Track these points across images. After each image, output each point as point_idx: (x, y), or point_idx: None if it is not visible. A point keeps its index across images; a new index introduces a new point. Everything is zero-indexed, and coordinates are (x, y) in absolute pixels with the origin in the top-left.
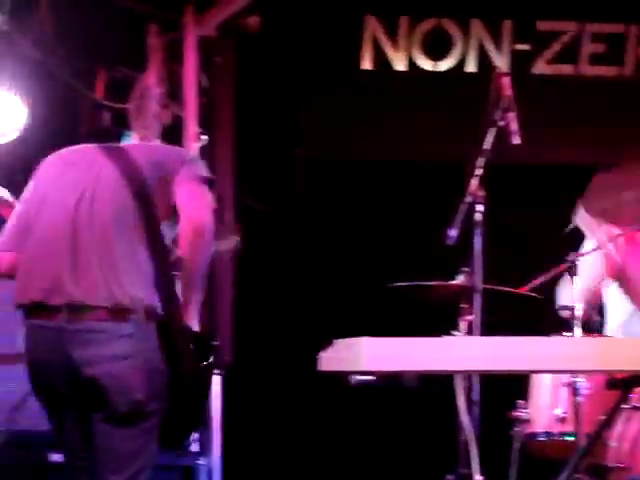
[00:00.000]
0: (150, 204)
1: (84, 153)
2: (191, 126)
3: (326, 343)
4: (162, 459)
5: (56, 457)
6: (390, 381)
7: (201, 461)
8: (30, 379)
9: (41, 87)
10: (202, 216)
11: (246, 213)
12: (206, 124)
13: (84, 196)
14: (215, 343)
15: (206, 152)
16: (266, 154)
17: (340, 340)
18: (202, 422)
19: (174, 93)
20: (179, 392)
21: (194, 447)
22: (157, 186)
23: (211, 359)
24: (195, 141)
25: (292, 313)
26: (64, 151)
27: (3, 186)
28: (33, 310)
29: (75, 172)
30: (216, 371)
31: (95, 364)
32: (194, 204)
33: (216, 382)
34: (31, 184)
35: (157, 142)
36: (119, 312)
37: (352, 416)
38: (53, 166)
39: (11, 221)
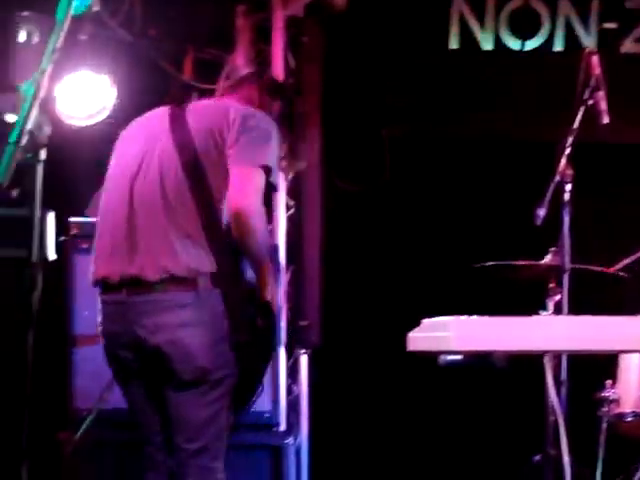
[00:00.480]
0: (201, 175)
1: (153, 119)
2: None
3: (415, 323)
4: (251, 439)
5: None
6: (478, 361)
7: (289, 441)
8: (105, 353)
9: (130, 68)
10: (245, 203)
11: (334, 194)
12: (293, 105)
13: (141, 169)
14: (303, 323)
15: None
16: (353, 134)
17: (429, 320)
18: (261, 386)
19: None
20: (241, 357)
21: (282, 427)
22: (213, 154)
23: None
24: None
25: (380, 293)
26: (138, 119)
27: (92, 167)
28: (101, 286)
29: (137, 144)
30: (303, 351)
31: (157, 334)
32: (239, 189)
33: (304, 362)
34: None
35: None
36: (177, 283)
37: (440, 396)
38: (125, 138)
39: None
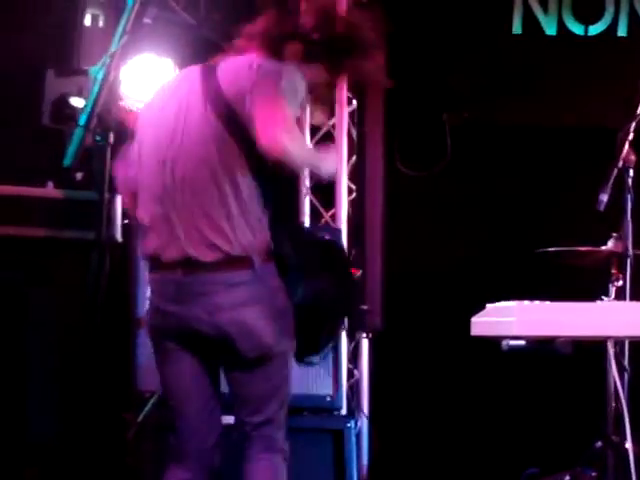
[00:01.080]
0: (242, 132)
1: (183, 82)
2: (341, 90)
3: (476, 308)
4: (312, 422)
5: None
6: (541, 346)
7: (350, 424)
8: (152, 330)
9: (193, 52)
10: (273, 140)
11: (396, 178)
12: (356, 88)
13: (175, 136)
14: (365, 307)
15: (356, 117)
16: (415, 118)
17: (493, 305)
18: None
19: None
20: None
21: (343, 411)
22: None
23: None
24: (345, 106)
25: (442, 278)
26: (167, 84)
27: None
28: (151, 263)
29: (170, 109)
30: (365, 335)
31: (217, 314)
32: (264, 123)
33: (365, 346)
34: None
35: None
36: (233, 262)
37: (503, 381)
38: (155, 103)
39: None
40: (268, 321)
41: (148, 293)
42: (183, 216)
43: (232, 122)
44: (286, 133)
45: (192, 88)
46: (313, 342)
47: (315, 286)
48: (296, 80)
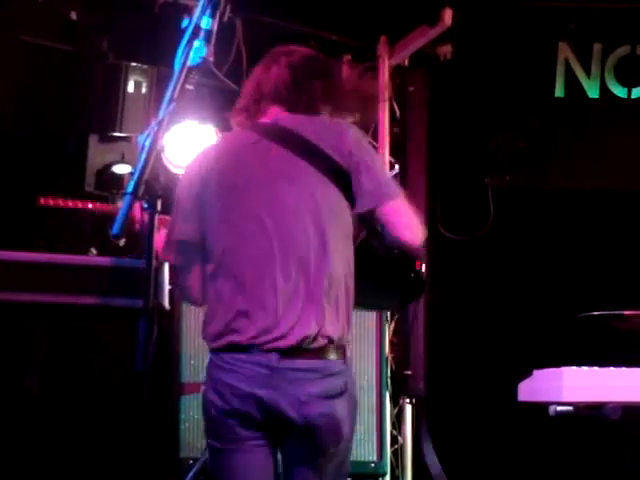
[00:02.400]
0: (338, 212)
1: (242, 147)
2: (384, 155)
3: (522, 373)
4: None
5: None
6: (590, 412)
7: None
8: (220, 411)
9: None
10: (418, 239)
11: (438, 242)
12: (399, 153)
13: (272, 205)
14: (408, 373)
15: (399, 181)
16: (458, 182)
17: (539, 370)
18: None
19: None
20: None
21: (387, 477)
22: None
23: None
24: (388, 170)
25: (485, 343)
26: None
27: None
28: (235, 344)
29: (246, 168)
30: (408, 401)
31: (309, 403)
32: (407, 223)
33: (408, 411)
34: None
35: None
36: (333, 350)
37: (551, 447)
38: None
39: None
40: (350, 414)
41: (215, 373)
42: (287, 297)
43: (340, 180)
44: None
45: (259, 147)
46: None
47: None
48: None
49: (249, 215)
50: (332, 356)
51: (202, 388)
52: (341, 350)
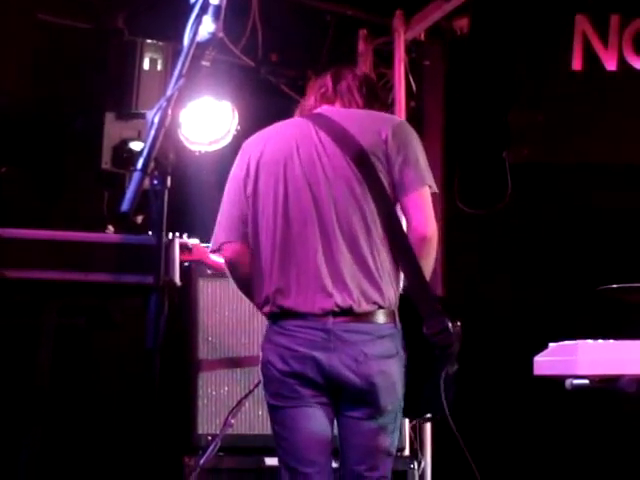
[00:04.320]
0: (380, 187)
1: (292, 132)
2: None
3: (539, 347)
4: None
5: (272, 461)
6: (606, 385)
7: (413, 466)
8: (280, 374)
9: (252, 94)
10: (430, 229)
11: (456, 216)
12: (415, 127)
13: (318, 181)
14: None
15: None
16: (475, 157)
17: (555, 344)
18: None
19: (384, 97)
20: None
21: (406, 451)
22: (381, 163)
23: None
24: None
25: (503, 316)
26: (273, 129)
27: (215, 191)
28: (299, 315)
29: (295, 161)
30: None
31: (367, 364)
32: (422, 215)
33: None
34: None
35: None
36: (382, 314)
37: (567, 420)
38: (272, 157)
39: (227, 212)
40: (401, 375)
41: (273, 336)
42: (337, 265)
43: (371, 175)
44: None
45: (308, 134)
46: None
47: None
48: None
49: (295, 203)
50: (381, 319)
51: (261, 354)
52: (392, 315)
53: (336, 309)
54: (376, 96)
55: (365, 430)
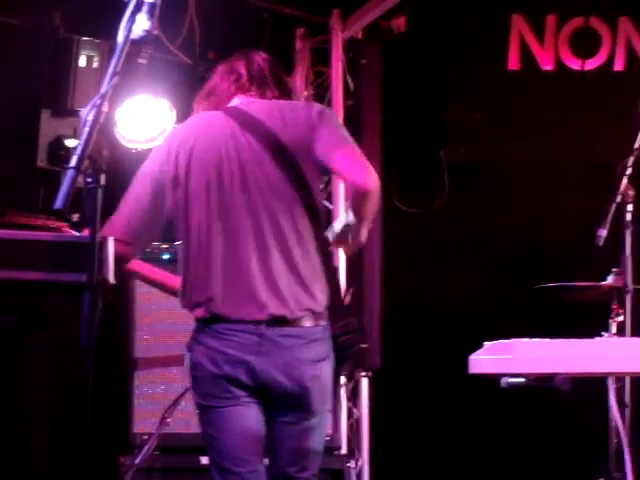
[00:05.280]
0: (306, 186)
1: (212, 126)
2: None
3: (476, 345)
4: None
5: (208, 460)
6: (541, 383)
7: (350, 464)
8: (213, 377)
9: (189, 91)
10: (369, 179)
11: (393, 215)
12: (352, 126)
13: (250, 188)
14: (364, 346)
15: None
16: (412, 156)
17: (491, 342)
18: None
19: (320, 95)
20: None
21: (343, 450)
22: (304, 154)
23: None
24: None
25: (440, 315)
26: (199, 125)
27: None
28: (231, 320)
29: (215, 159)
30: (364, 374)
31: (299, 367)
32: (357, 165)
33: (365, 385)
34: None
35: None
36: (314, 318)
37: (502, 418)
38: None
39: (131, 207)
40: (332, 377)
41: (203, 338)
42: (271, 274)
43: (296, 172)
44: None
45: (236, 136)
46: None
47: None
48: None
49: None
50: (314, 323)
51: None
52: (322, 317)
53: (270, 319)
54: (286, 83)
55: (296, 433)
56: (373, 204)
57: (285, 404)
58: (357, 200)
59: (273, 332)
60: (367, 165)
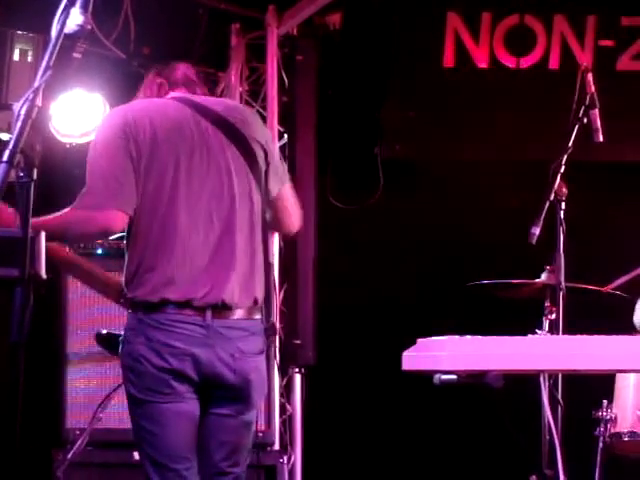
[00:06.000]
0: (259, 186)
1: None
2: (272, 124)
3: (409, 342)
4: None
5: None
6: (474, 380)
7: (283, 460)
8: (156, 369)
9: (123, 86)
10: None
11: (327, 211)
12: (287, 122)
13: (213, 174)
14: (297, 342)
15: (287, 150)
16: (347, 153)
17: (423, 339)
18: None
19: (256, 91)
20: None
21: (276, 446)
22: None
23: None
24: (276, 140)
25: (374, 312)
26: (154, 107)
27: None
28: (176, 306)
29: (175, 148)
30: (297, 370)
31: (242, 359)
32: (296, 211)
33: (298, 381)
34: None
35: None
36: (257, 310)
37: (435, 415)
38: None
39: (117, 177)
40: (267, 370)
41: (146, 329)
42: (227, 261)
43: (257, 170)
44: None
45: (197, 121)
46: None
47: None
48: None
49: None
50: (256, 316)
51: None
52: (261, 311)
53: (219, 304)
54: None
55: (233, 427)
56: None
57: (225, 396)
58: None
59: (218, 323)
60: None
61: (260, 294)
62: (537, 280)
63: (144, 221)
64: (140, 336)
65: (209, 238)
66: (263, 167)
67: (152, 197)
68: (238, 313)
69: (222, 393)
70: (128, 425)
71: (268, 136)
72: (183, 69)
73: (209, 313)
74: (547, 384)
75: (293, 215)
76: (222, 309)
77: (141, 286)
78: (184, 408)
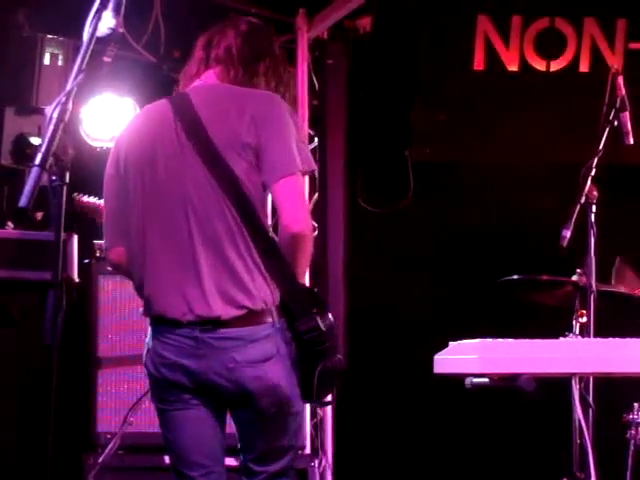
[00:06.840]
0: (240, 185)
1: (157, 121)
2: (303, 128)
3: (441, 345)
4: None
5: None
6: (505, 383)
7: (314, 464)
8: (157, 381)
9: (154, 90)
10: (299, 224)
11: (358, 214)
12: (318, 125)
13: (176, 186)
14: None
15: (318, 154)
16: (377, 156)
17: (455, 342)
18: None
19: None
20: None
21: (307, 450)
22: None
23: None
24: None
25: (406, 314)
26: (137, 121)
27: None
28: (163, 320)
29: (163, 156)
30: None
31: (237, 370)
32: (292, 208)
33: None
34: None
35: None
36: (253, 317)
37: (467, 418)
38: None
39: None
40: (288, 375)
41: (149, 339)
42: (201, 274)
43: (227, 177)
44: (311, 225)
45: (167, 126)
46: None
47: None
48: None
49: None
50: (254, 323)
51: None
52: (266, 314)
53: (200, 320)
54: (256, 64)
55: (253, 433)
56: (303, 250)
57: (236, 405)
58: (286, 244)
59: (208, 335)
60: (302, 206)
61: (257, 300)
62: (569, 278)
63: (132, 240)
64: (148, 346)
65: (176, 255)
66: (242, 175)
67: (135, 216)
68: (227, 324)
69: (230, 402)
70: (158, 429)
71: (254, 129)
72: (230, 39)
73: (197, 327)
74: (578, 387)
75: (287, 214)
76: (206, 323)
77: (140, 299)
78: (192, 414)
